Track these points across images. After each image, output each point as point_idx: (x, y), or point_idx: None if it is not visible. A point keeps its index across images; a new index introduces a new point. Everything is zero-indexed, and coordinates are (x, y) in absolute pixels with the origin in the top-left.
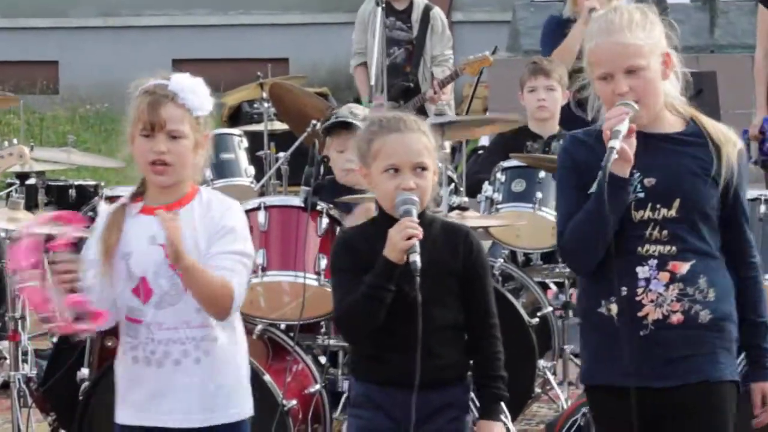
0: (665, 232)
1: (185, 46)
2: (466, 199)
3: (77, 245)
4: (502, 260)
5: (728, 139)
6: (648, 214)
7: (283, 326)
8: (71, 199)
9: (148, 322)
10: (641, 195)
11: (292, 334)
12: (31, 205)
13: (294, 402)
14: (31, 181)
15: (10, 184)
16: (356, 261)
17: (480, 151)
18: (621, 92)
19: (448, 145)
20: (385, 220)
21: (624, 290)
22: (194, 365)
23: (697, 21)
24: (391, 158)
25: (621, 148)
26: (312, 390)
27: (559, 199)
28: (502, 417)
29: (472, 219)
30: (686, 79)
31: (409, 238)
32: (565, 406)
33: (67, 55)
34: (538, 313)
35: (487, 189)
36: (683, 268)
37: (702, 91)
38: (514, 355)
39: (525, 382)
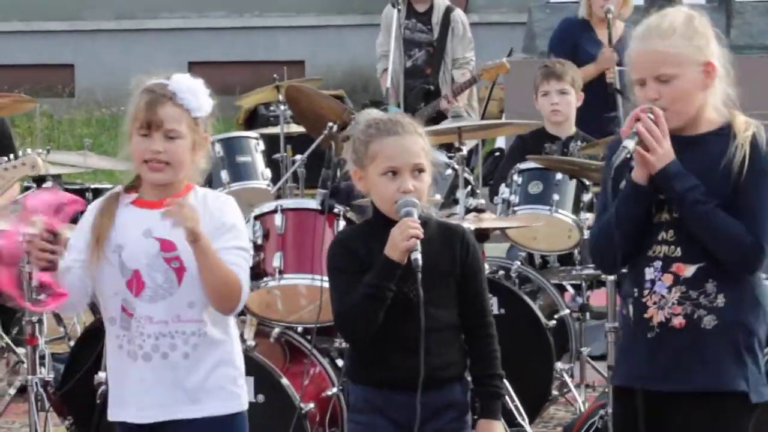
0: (671, 232)
1: (201, 49)
2: (482, 201)
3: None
4: (519, 262)
5: (747, 127)
6: (665, 216)
7: (300, 329)
8: (88, 202)
9: (138, 316)
10: (662, 197)
11: (309, 337)
12: None
13: (311, 405)
14: (48, 184)
15: (27, 188)
16: (354, 262)
17: (497, 153)
18: (651, 99)
19: (465, 148)
20: (381, 222)
21: (636, 291)
22: (182, 359)
23: (712, 21)
24: (390, 161)
25: (637, 152)
26: (329, 393)
27: (599, 199)
28: (518, 419)
29: (488, 221)
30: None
31: (411, 238)
32: (582, 409)
33: (82, 58)
34: (555, 316)
35: (503, 191)
36: (688, 270)
37: None
38: (531, 357)
39: (542, 385)
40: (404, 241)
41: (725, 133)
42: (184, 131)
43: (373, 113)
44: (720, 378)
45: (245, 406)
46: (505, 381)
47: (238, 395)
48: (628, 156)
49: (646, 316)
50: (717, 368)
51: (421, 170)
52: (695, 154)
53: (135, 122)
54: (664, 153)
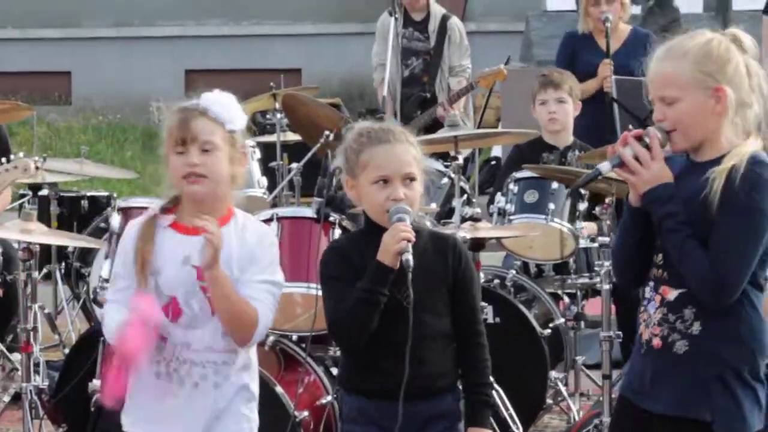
0: (660, 255)
1: (198, 57)
2: (478, 210)
3: None
4: (514, 271)
5: (729, 157)
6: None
7: (295, 337)
8: (84, 210)
9: (174, 342)
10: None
11: (304, 346)
12: (43, 217)
13: (306, 413)
14: (44, 192)
15: (23, 195)
16: (348, 269)
17: (493, 162)
18: (657, 119)
19: (460, 156)
20: (373, 231)
21: (641, 308)
22: (213, 389)
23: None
24: (381, 169)
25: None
26: (324, 401)
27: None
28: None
29: (484, 230)
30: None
31: (402, 241)
32: (576, 418)
33: (79, 65)
34: (551, 325)
35: (499, 200)
36: (671, 294)
37: None
38: (525, 366)
39: (537, 393)
40: (395, 244)
41: (720, 158)
42: (219, 143)
43: (365, 123)
44: (683, 404)
45: (255, 430)
46: (499, 389)
47: (249, 419)
48: (599, 177)
49: (639, 331)
50: (682, 393)
51: (412, 179)
52: (691, 180)
53: (170, 141)
54: (651, 176)
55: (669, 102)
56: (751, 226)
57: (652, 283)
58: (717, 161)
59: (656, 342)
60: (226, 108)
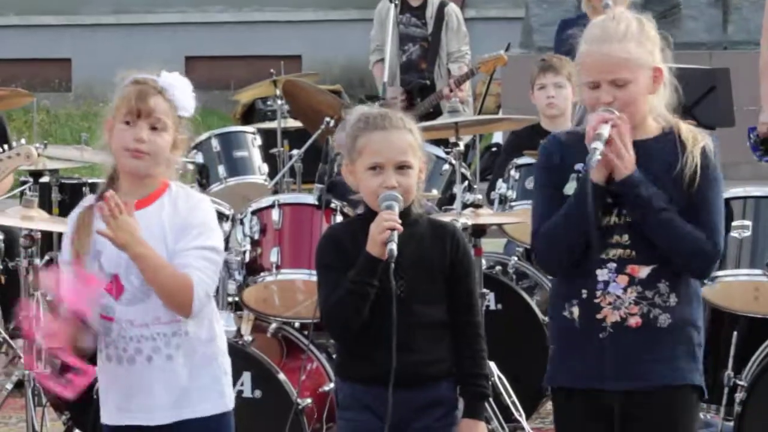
0: (626, 236)
1: (198, 43)
2: (479, 196)
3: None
4: (516, 258)
5: (695, 138)
6: (614, 219)
7: (297, 324)
8: (85, 197)
9: (119, 319)
10: (609, 201)
11: (306, 333)
12: (44, 204)
13: (308, 400)
14: (45, 179)
15: (24, 182)
16: (342, 258)
17: (494, 148)
18: (605, 102)
19: (461, 143)
20: (370, 217)
21: (584, 293)
22: (166, 361)
23: (710, 17)
24: (375, 156)
25: (604, 153)
26: (326, 388)
27: (535, 199)
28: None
29: (485, 216)
30: (678, 91)
31: (386, 230)
32: None
33: (79, 52)
34: None
35: (500, 186)
36: (642, 272)
37: (715, 87)
38: (528, 353)
39: (539, 380)
40: (380, 234)
41: (671, 139)
42: (169, 125)
43: (365, 108)
44: (676, 373)
45: (231, 406)
46: (501, 376)
47: (223, 394)
48: (599, 158)
49: (598, 316)
50: (673, 364)
51: (407, 166)
52: (643, 159)
53: (121, 110)
54: (630, 159)
55: (620, 84)
56: (721, 197)
57: (612, 265)
58: (666, 138)
59: (634, 321)
60: (183, 93)
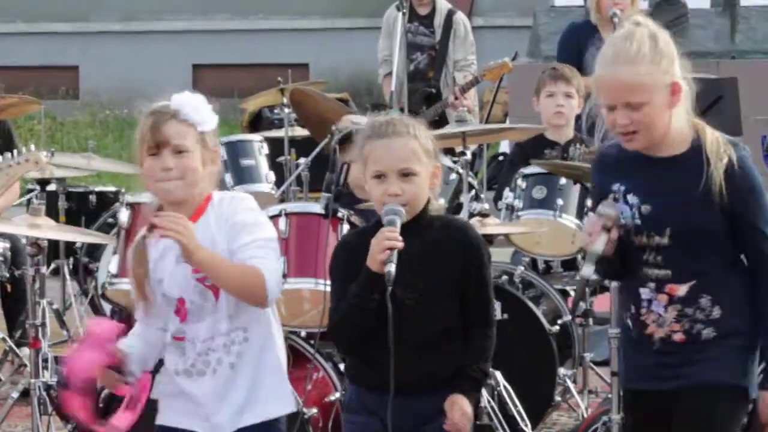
0: (659, 258)
1: (205, 52)
2: (486, 205)
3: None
4: (522, 267)
5: (718, 155)
6: (644, 240)
7: (303, 334)
8: (92, 205)
9: (190, 338)
10: (638, 222)
11: (312, 342)
12: (51, 212)
13: (314, 410)
14: (52, 187)
15: (31, 190)
16: (353, 267)
17: (501, 157)
18: (622, 124)
19: (468, 152)
20: (380, 224)
21: (632, 308)
22: (229, 371)
23: (717, 26)
24: (377, 164)
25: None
26: (332, 398)
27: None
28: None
29: (492, 226)
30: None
31: (386, 250)
32: (585, 415)
33: (87, 60)
34: (559, 321)
35: (507, 196)
36: (681, 290)
37: (722, 97)
38: (534, 362)
39: (545, 390)
40: (380, 254)
41: (697, 155)
42: (191, 145)
43: (353, 119)
44: (724, 373)
45: (289, 409)
46: (507, 386)
47: (280, 399)
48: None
49: (646, 332)
50: (721, 364)
51: (410, 173)
52: (673, 175)
53: (143, 145)
54: None
55: (635, 107)
56: (765, 207)
57: (652, 284)
58: (694, 152)
59: (678, 337)
60: (197, 110)
